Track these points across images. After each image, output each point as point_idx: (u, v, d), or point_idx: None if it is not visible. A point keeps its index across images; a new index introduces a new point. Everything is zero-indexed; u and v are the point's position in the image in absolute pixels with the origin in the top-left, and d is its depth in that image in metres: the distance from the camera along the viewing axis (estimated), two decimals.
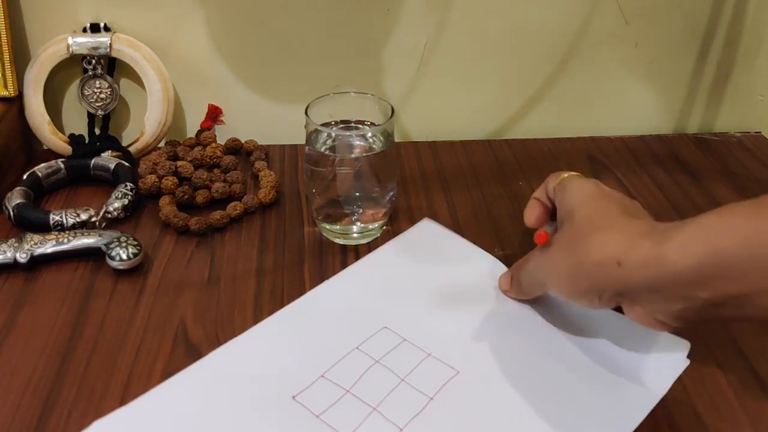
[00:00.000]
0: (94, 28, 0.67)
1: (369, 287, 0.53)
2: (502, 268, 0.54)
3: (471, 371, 0.46)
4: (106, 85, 0.69)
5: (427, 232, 0.60)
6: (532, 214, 0.50)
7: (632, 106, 0.78)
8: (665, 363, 0.46)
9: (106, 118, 0.70)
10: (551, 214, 0.50)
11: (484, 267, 0.55)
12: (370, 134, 0.57)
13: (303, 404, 0.43)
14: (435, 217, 0.61)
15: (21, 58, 0.67)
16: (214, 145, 0.69)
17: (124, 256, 0.54)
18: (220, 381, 0.45)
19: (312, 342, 0.48)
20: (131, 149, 0.69)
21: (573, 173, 0.50)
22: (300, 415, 0.43)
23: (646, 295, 0.40)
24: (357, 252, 0.57)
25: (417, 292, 0.53)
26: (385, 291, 0.53)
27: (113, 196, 0.61)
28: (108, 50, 0.66)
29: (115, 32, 0.67)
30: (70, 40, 0.66)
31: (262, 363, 0.46)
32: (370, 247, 0.58)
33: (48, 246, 0.54)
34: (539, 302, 0.51)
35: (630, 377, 0.46)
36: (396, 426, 0.42)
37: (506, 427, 0.42)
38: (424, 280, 0.54)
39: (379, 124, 0.57)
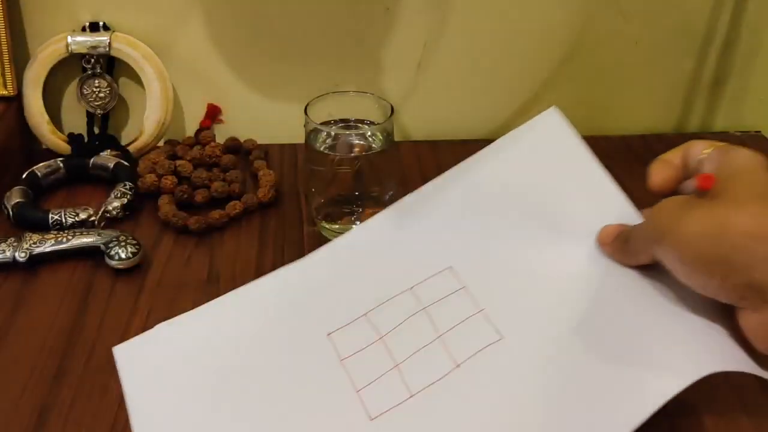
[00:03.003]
0: (94, 27, 0.67)
1: (450, 208, 0.47)
2: (631, 217, 0.45)
3: (517, 342, 0.41)
4: (105, 84, 0.68)
5: (548, 136, 0.49)
6: (659, 175, 0.44)
7: (632, 105, 0.78)
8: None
9: (105, 117, 0.70)
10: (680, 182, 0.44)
11: (606, 209, 0.46)
12: (369, 133, 0.56)
13: (334, 344, 0.42)
14: None
15: (20, 57, 0.67)
16: (213, 144, 0.69)
17: (123, 256, 0.54)
18: (256, 310, 0.45)
19: (368, 276, 0.45)
20: (130, 148, 0.68)
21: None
22: (326, 355, 0.42)
23: None
24: None
25: (507, 222, 0.46)
26: (470, 215, 0.46)
27: (112, 196, 0.61)
28: (107, 49, 0.66)
29: (114, 31, 0.67)
30: (69, 39, 0.66)
31: (308, 294, 0.45)
32: None
33: (47, 245, 0.54)
34: (638, 277, 0.43)
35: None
36: (408, 390, 0.40)
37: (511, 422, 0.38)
38: (524, 207, 0.46)
39: (378, 123, 0.57)
